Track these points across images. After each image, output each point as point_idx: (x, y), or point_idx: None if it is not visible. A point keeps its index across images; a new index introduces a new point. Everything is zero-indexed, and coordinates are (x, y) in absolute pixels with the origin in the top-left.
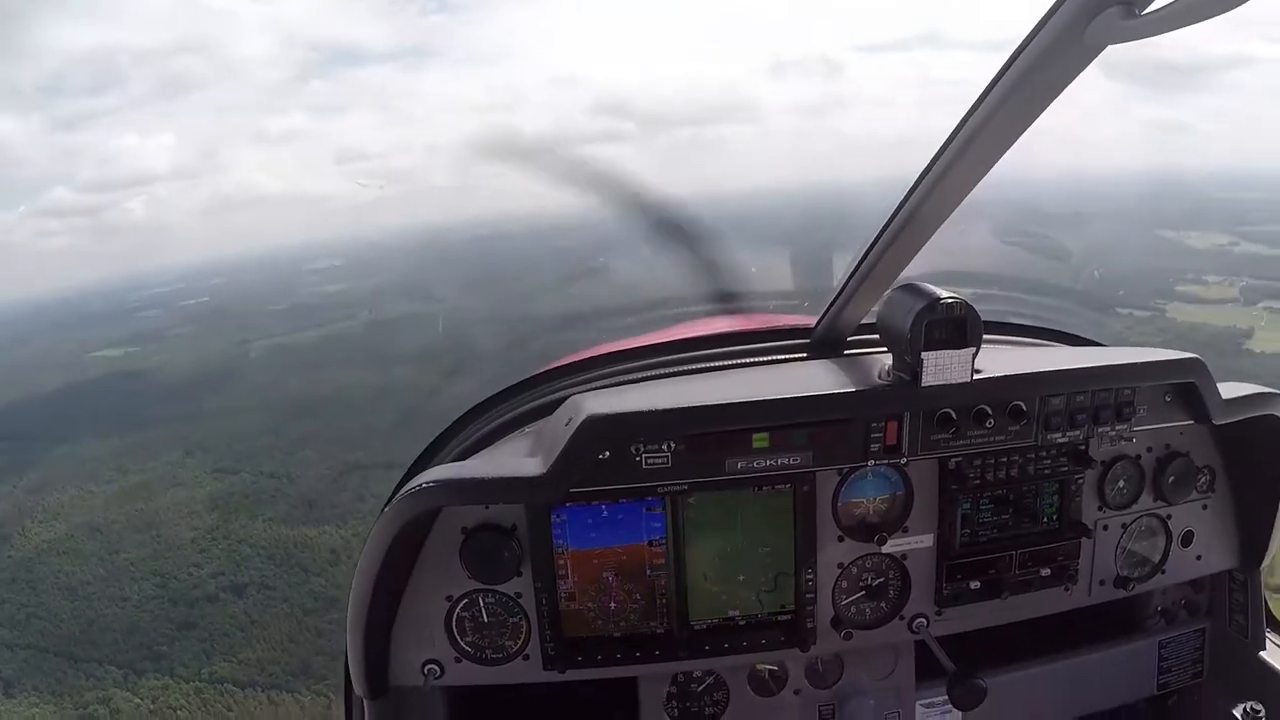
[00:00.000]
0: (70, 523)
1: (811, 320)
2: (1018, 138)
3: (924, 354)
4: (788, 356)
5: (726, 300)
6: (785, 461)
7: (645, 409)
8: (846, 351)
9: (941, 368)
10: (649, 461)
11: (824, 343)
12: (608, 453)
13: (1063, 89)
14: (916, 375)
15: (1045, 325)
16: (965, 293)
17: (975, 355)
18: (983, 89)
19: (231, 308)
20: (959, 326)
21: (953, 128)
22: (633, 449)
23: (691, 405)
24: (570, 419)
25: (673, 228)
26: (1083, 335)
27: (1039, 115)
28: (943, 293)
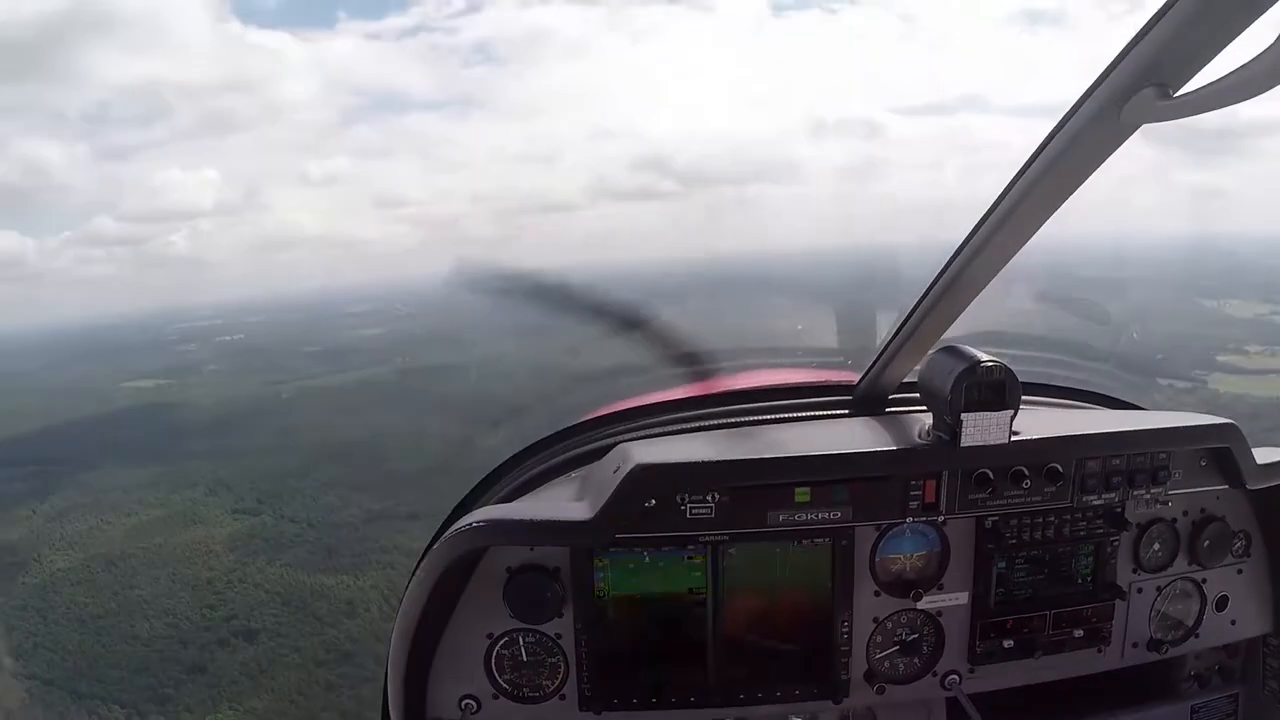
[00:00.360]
0: (87, 552)
1: (853, 376)
2: (1057, 208)
3: (963, 415)
4: (830, 413)
5: (690, 363)
6: (825, 516)
7: (692, 460)
8: (888, 410)
9: (980, 429)
10: (693, 511)
11: (866, 400)
12: (654, 501)
13: (1099, 164)
14: (956, 436)
15: (1085, 388)
16: (1005, 354)
17: (1014, 417)
18: (1024, 162)
19: (266, 347)
20: (998, 389)
21: (994, 196)
22: (679, 499)
23: (736, 459)
24: (619, 467)
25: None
26: (1122, 398)
27: (1077, 188)
28: (983, 356)
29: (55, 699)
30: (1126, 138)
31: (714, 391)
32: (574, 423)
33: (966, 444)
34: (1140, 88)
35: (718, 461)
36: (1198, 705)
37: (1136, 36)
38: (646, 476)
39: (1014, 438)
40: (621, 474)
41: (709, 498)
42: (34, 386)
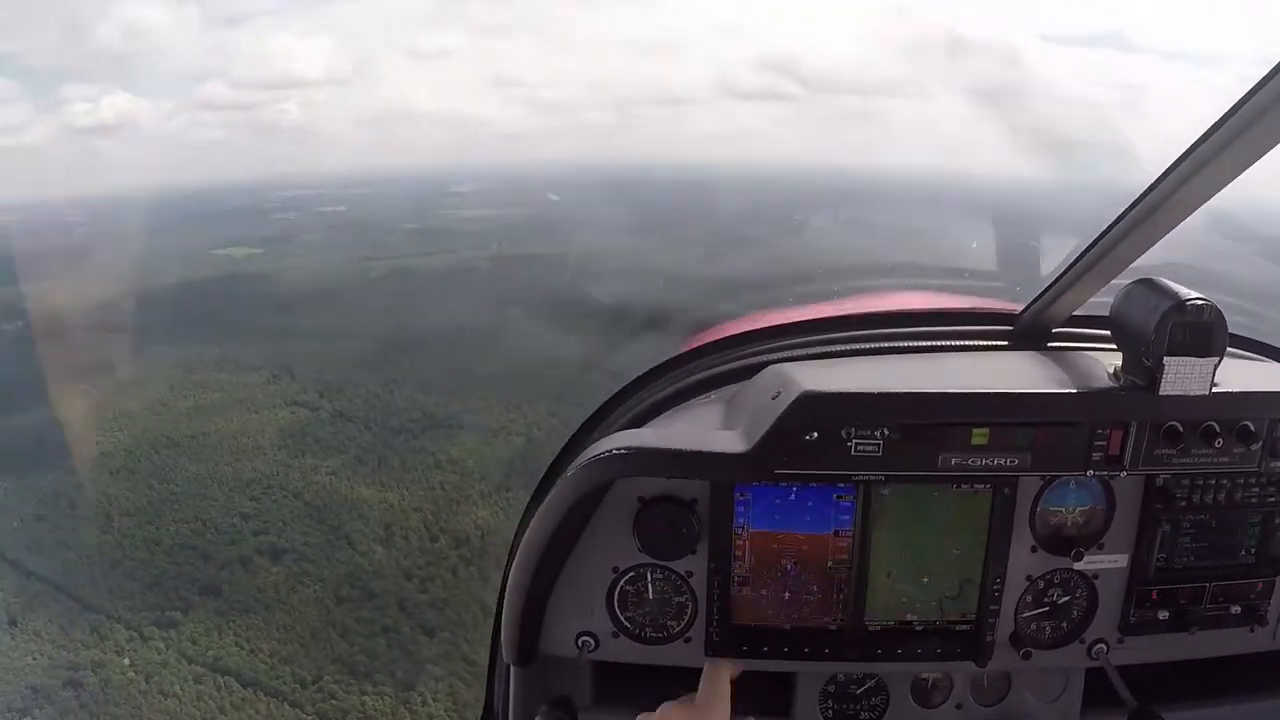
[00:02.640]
0: (134, 435)
1: (1007, 304)
2: None
3: (1166, 359)
4: (988, 344)
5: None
6: (1001, 462)
7: (864, 390)
8: (1052, 345)
9: (1182, 376)
10: (859, 448)
11: (1029, 333)
12: (816, 434)
13: None
14: (1154, 381)
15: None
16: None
17: (1217, 366)
18: (1275, 64)
19: (366, 220)
20: (1205, 332)
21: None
22: (844, 433)
23: (914, 391)
24: (779, 392)
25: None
26: None
27: None
28: (1191, 293)
29: (62, 607)
30: None
31: (859, 313)
32: (705, 341)
33: (1165, 392)
34: None
35: (894, 393)
36: None
37: None
38: (815, 405)
39: (1214, 389)
40: (785, 401)
41: (877, 433)
42: (131, 250)
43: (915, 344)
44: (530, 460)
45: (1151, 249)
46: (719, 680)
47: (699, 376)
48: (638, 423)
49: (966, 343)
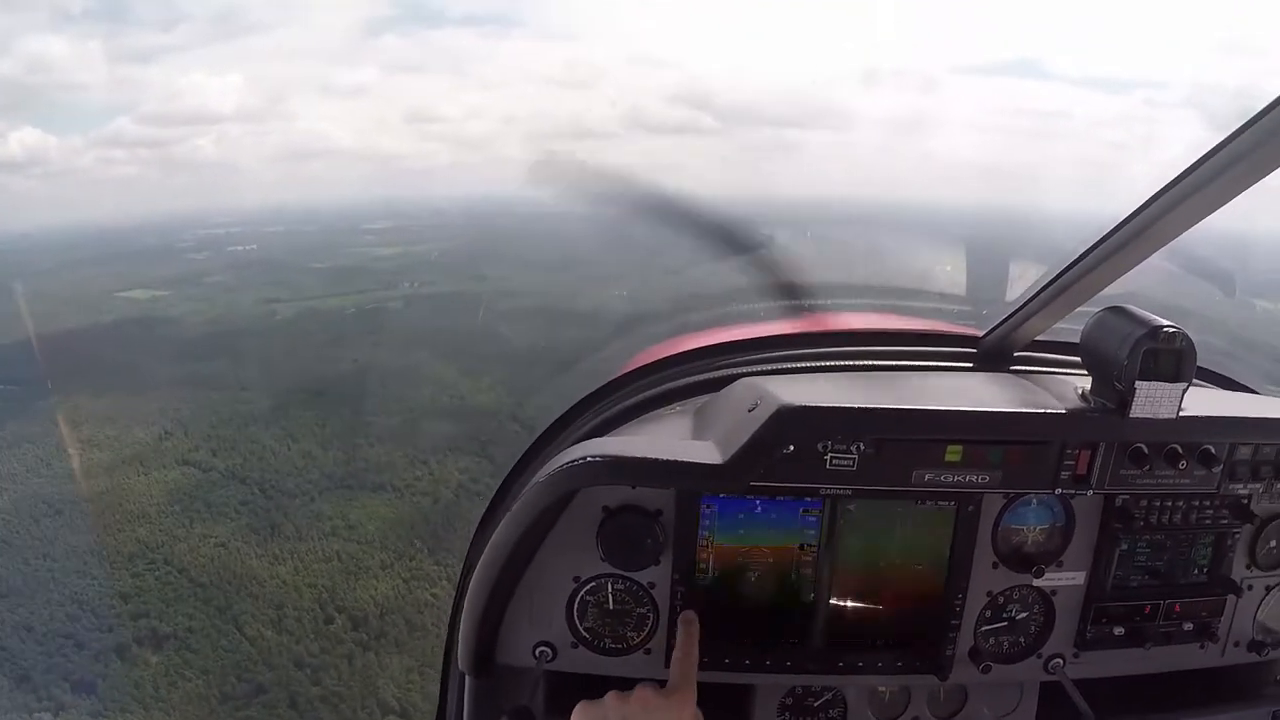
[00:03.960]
0: (13, 499)
1: (968, 329)
2: None
3: (1138, 383)
4: (951, 365)
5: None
6: (973, 479)
7: (843, 405)
8: (1013, 368)
9: (1152, 400)
10: (834, 462)
11: (992, 355)
12: (793, 447)
13: None
14: (1124, 404)
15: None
16: None
17: (1185, 392)
18: (1268, 102)
19: (276, 260)
20: (1176, 359)
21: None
22: (821, 447)
23: (893, 407)
24: (755, 404)
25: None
26: (1238, 381)
27: None
28: (1163, 321)
29: None
30: None
31: (827, 329)
32: (662, 356)
33: (1136, 415)
34: None
35: (873, 409)
36: (1279, 712)
37: None
38: (793, 418)
39: (1181, 413)
40: (763, 414)
41: (853, 448)
42: (36, 290)
43: (883, 363)
44: (438, 523)
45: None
46: (688, 662)
47: (663, 388)
48: (601, 432)
49: (931, 363)
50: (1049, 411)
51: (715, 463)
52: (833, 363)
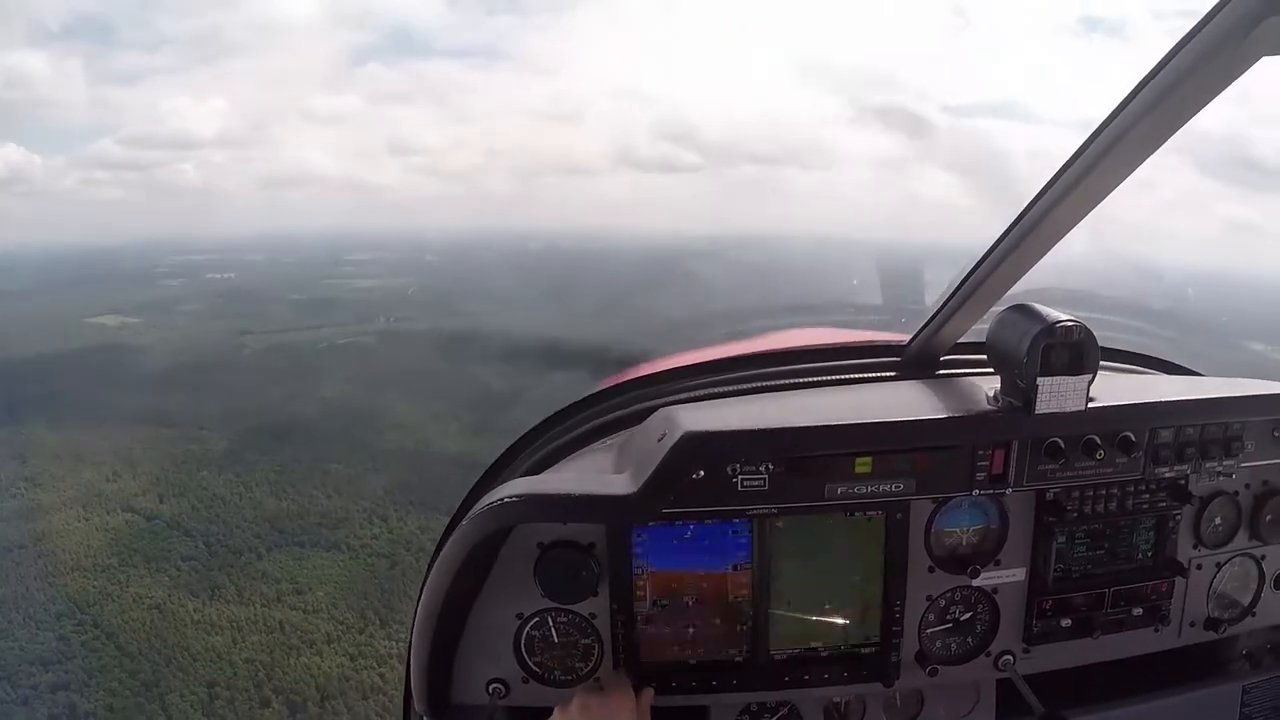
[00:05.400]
0: None
1: (899, 336)
2: (1158, 146)
3: (1039, 379)
4: (877, 375)
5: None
6: (887, 488)
7: (746, 428)
8: (940, 372)
9: (1057, 395)
10: (745, 483)
11: (917, 362)
12: (702, 472)
13: (1211, 98)
14: (1030, 402)
15: (1141, 351)
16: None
17: (1090, 383)
18: (1126, 94)
19: (253, 289)
20: (1077, 351)
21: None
22: (729, 469)
23: (795, 426)
24: (664, 434)
25: None
26: (1180, 364)
27: (1183, 124)
28: (1062, 315)
29: None
30: (1246, 69)
31: (752, 352)
32: (604, 386)
33: (1041, 410)
34: (1271, 13)
35: (774, 429)
36: (1249, 685)
37: None
38: (696, 445)
39: (1090, 404)
40: (668, 442)
41: (762, 468)
42: (6, 311)
43: (806, 380)
44: (393, 591)
45: (1035, 274)
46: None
47: (597, 422)
48: (538, 469)
49: (857, 376)
50: (953, 416)
51: (626, 494)
52: (758, 384)
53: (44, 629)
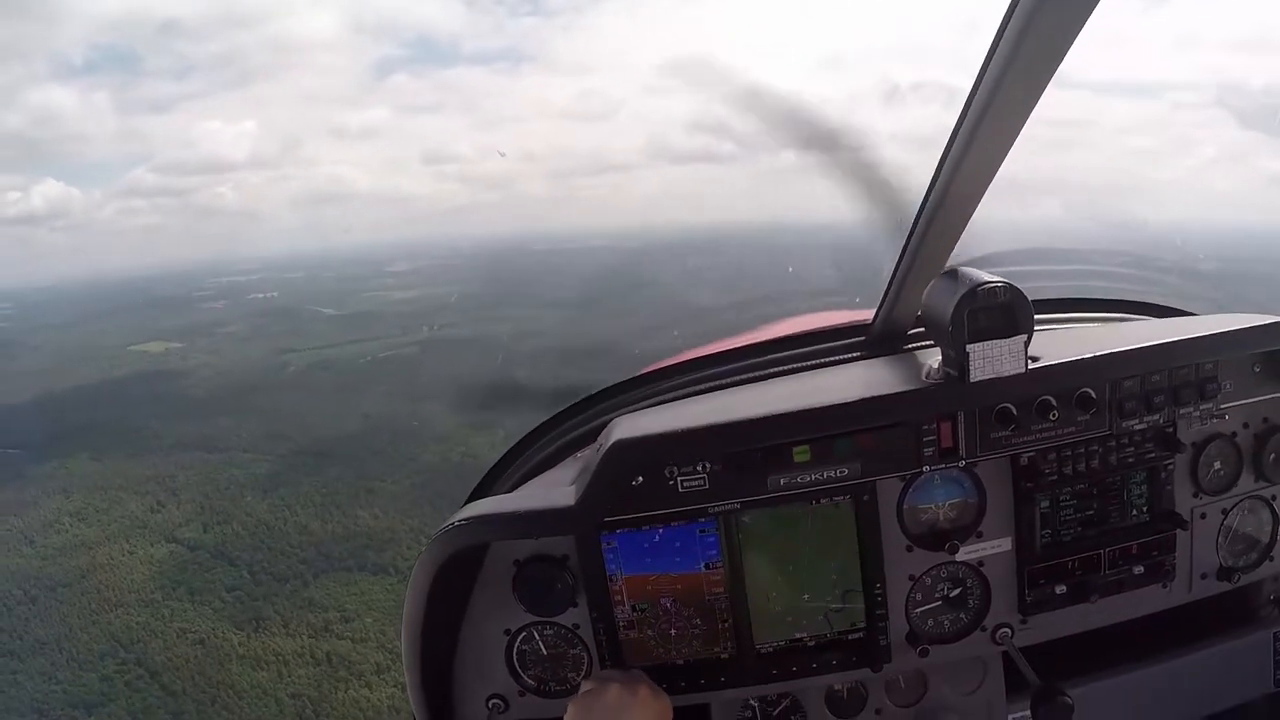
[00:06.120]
0: None
1: (860, 317)
2: (1047, 82)
3: (969, 346)
4: (844, 357)
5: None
6: (832, 474)
7: (672, 430)
8: (907, 347)
9: (990, 360)
10: (685, 484)
11: (881, 340)
12: (641, 478)
13: (1086, 18)
14: (964, 370)
15: (1130, 298)
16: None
17: (1028, 343)
18: (994, 33)
19: (294, 307)
20: (1006, 312)
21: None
22: (666, 472)
23: (719, 423)
24: (602, 445)
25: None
26: (1172, 306)
27: (1063, 56)
28: (985, 276)
29: None
30: None
31: (717, 350)
32: (576, 400)
33: (976, 378)
34: None
35: (697, 428)
36: None
37: None
38: (625, 453)
39: (1031, 365)
40: (601, 452)
41: (700, 468)
42: (52, 344)
43: (773, 371)
44: None
45: (992, 238)
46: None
47: (570, 436)
48: (513, 490)
49: (823, 360)
50: (886, 394)
51: (566, 506)
52: (726, 381)
53: (86, 669)
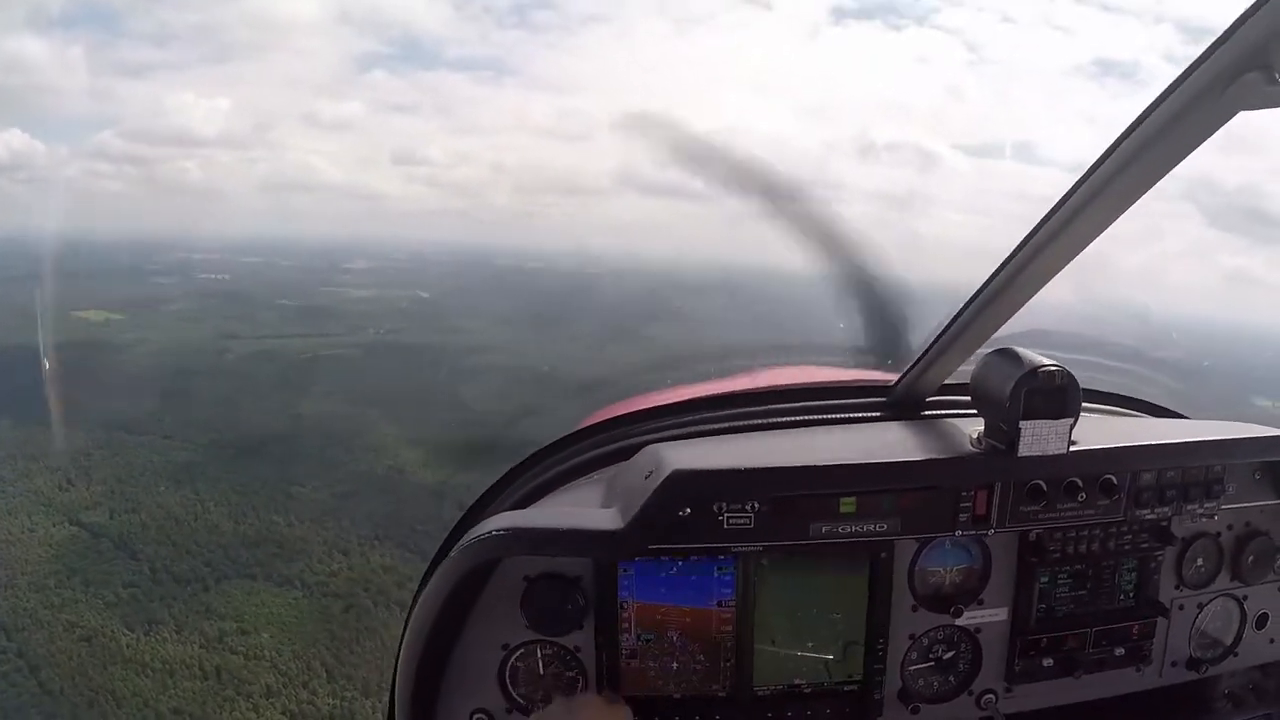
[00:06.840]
0: None
1: (885, 375)
2: (1141, 195)
3: (1022, 423)
4: (863, 415)
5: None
6: (871, 528)
7: (732, 467)
8: (925, 413)
9: (1039, 438)
10: (731, 521)
11: (903, 403)
12: (689, 510)
13: (1191, 149)
14: (1013, 444)
15: (1128, 394)
16: (1054, 356)
17: (1073, 426)
18: (1110, 143)
19: (245, 292)
20: (1059, 395)
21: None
22: (716, 508)
23: (781, 466)
24: (651, 472)
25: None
26: (1164, 406)
27: (1165, 174)
28: (1044, 359)
29: None
30: (1225, 123)
31: (741, 390)
32: (594, 421)
33: (1024, 454)
34: (1247, 70)
35: (760, 469)
36: None
37: (1243, 16)
38: (683, 483)
39: (1072, 448)
40: (656, 480)
41: (748, 507)
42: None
43: (792, 419)
44: (347, 638)
45: (1018, 317)
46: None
47: (584, 457)
48: (524, 504)
49: (843, 416)
50: (937, 458)
51: (613, 529)
52: (744, 422)
53: None
